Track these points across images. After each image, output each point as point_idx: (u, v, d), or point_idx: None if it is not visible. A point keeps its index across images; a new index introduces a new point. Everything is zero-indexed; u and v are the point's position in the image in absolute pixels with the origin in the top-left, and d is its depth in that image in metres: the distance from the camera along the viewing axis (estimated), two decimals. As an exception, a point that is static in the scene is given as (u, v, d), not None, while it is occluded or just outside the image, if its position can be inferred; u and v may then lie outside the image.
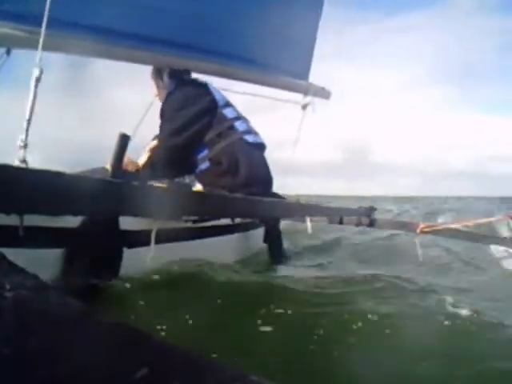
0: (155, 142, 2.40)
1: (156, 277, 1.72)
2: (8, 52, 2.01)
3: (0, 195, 0.72)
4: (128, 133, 1.42)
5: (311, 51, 3.08)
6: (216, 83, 2.61)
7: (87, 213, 1.13)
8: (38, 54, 1.42)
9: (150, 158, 2.34)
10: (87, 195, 0.85)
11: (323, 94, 3.16)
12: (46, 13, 1.43)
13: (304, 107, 3.07)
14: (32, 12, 1.55)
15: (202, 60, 2.46)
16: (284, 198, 2.50)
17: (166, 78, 2.47)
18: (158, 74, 2.51)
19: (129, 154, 2.36)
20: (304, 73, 3.06)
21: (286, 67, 2.93)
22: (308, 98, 3.05)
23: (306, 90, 3.05)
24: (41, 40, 1.42)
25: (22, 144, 1.28)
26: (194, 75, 2.60)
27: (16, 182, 0.73)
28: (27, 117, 1.35)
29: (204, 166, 2.31)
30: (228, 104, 2.45)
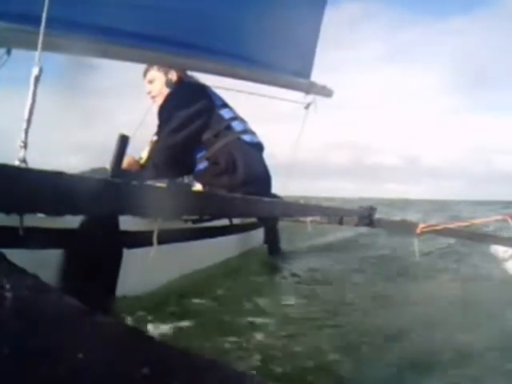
0: (156, 139, 2.41)
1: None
2: (8, 52, 2.01)
3: (0, 195, 0.71)
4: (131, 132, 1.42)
5: (313, 49, 3.03)
6: (219, 83, 2.60)
7: (87, 213, 1.12)
8: (38, 52, 1.41)
9: (148, 158, 2.35)
10: (87, 195, 0.85)
11: (325, 92, 3.14)
12: (45, 10, 1.43)
13: (307, 106, 3.05)
14: (33, 12, 1.55)
15: (203, 59, 2.45)
16: (281, 199, 2.50)
17: (168, 77, 2.48)
18: (163, 70, 2.50)
19: (133, 155, 2.36)
20: (306, 71, 3.03)
21: (288, 66, 2.90)
22: (310, 97, 3.03)
23: (307, 89, 3.02)
24: (40, 38, 1.41)
25: (22, 144, 1.27)
26: (196, 75, 2.59)
27: (16, 182, 0.73)
28: (26, 116, 1.35)
29: (202, 165, 2.32)
30: (225, 105, 2.48)
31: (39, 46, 1.40)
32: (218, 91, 2.59)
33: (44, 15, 1.43)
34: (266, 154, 2.61)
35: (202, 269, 2.08)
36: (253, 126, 2.58)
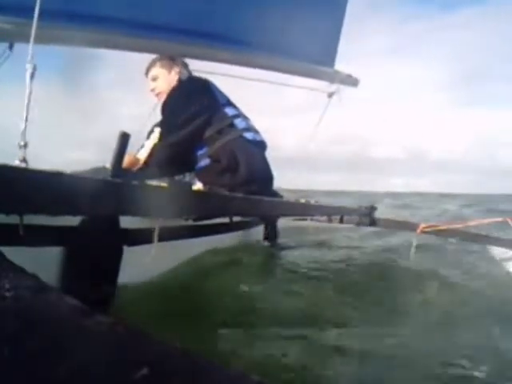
0: (157, 132, 2.40)
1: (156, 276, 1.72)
2: (11, 47, 1.99)
3: (0, 195, 0.71)
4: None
5: (337, 38, 2.96)
6: (240, 73, 2.54)
7: (87, 213, 1.12)
8: (30, 49, 1.36)
9: (150, 155, 2.34)
10: (87, 195, 0.85)
11: (350, 81, 3.04)
12: (38, 3, 1.39)
13: (330, 95, 2.99)
14: (32, 5, 1.53)
15: (224, 49, 2.40)
16: (282, 197, 2.50)
17: (181, 69, 2.46)
18: (167, 66, 2.49)
19: (134, 152, 2.36)
20: (330, 60, 2.94)
21: (311, 54, 2.81)
22: (334, 86, 2.97)
23: (331, 78, 2.95)
24: (32, 34, 1.36)
25: (22, 143, 1.27)
26: (212, 65, 2.54)
27: (16, 182, 0.73)
28: (24, 115, 1.33)
29: (203, 163, 2.32)
30: (228, 102, 2.46)
31: (31, 41, 1.35)
32: (231, 81, 2.53)
33: (37, 9, 1.39)
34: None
35: (202, 264, 2.09)
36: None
